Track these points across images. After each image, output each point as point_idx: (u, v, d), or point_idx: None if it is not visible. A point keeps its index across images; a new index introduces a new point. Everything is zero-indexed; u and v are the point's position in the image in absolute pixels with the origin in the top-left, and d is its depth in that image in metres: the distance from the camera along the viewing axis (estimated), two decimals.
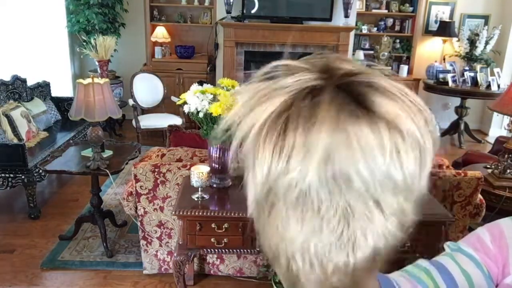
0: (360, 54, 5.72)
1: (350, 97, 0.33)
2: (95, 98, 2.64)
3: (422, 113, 0.35)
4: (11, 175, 3.27)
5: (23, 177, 3.27)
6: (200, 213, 2.03)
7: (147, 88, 4.98)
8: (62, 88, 5.28)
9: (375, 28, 5.95)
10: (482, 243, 0.61)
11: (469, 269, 0.59)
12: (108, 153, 2.99)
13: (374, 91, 0.34)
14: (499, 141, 3.91)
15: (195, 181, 2.08)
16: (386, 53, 5.66)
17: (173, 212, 2.09)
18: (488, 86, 5.26)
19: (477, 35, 5.41)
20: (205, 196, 2.13)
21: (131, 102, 4.84)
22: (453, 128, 5.71)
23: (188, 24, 5.75)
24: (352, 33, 5.40)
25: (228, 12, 5.17)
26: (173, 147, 2.83)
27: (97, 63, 4.95)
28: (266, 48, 5.36)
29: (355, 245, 0.35)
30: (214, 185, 2.25)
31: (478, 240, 0.61)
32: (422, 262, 0.62)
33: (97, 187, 2.94)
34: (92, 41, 4.85)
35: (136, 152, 3.15)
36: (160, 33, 5.65)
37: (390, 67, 5.82)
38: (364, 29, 5.89)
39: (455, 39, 5.76)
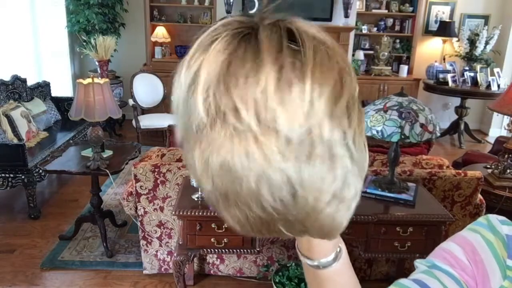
0: (360, 54, 5.72)
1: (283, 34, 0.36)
2: (95, 98, 2.64)
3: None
4: (11, 175, 3.27)
5: (23, 177, 3.28)
6: (200, 213, 2.03)
7: (147, 88, 4.98)
8: (62, 88, 5.28)
9: (375, 28, 5.95)
10: (456, 258, 0.57)
11: (450, 287, 0.55)
12: (108, 153, 2.99)
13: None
14: (499, 141, 3.92)
15: (195, 181, 2.08)
16: (386, 53, 5.66)
17: (173, 212, 2.09)
18: (488, 86, 5.26)
19: (477, 35, 5.41)
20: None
21: (131, 102, 4.84)
22: (453, 128, 5.71)
23: (188, 24, 5.75)
24: (352, 33, 5.40)
25: (228, 12, 5.18)
26: (173, 147, 2.82)
27: (97, 63, 4.96)
28: None
29: None
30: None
31: (451, 256, 0.57)
32: (403, 281, 0.58)
33: (97, 187, 2.94)
34: (92, 41, 4.86)
35: (136, 152, 3.15)
36: (160, 33, 5.66)
37: (390, 67, 5.82)
38: (364, 29, 5.89)
39: (455, 39, 5.76)
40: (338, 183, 0.36)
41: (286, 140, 0.34)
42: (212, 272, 2.68)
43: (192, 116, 0.36)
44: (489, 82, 5.25)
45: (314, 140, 0.34)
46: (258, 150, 0.34)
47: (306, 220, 0.38)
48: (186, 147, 0.38)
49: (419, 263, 0.61)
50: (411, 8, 5.82)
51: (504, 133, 5.36)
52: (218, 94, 0.34)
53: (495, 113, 4.65)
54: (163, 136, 4.97)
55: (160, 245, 2.61)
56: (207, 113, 0.35)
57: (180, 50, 5.62)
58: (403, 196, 2.14)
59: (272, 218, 0.38)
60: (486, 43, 5.42)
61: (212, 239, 2.08)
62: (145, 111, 5.03)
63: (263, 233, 0.40)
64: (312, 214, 0.38)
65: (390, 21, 5.96)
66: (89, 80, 2.68)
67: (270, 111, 0.33)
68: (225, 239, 2.09)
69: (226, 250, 2.15)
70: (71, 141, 3.71)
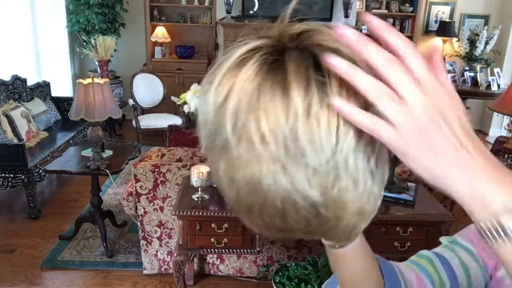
0: None
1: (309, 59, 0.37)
2: (95, 98, 2.64)
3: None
4: (11, 175, 3.27)
5: (23, 177, 3.27)
6: (200, 213, 2.03)
7: (147, 88, 4.98)
8: (62, 88, 5.28)
9: None
10: (478, 237, 0.62)
11: (467, 261, 0.61)
12: (108, 153, 2.99)
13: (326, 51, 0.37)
14: (499, 141, 3.92)
15: (195, 181, 2.08)
16: None
17: (173, 212, 2.09)
18: (488, 86, 5.26)
19: (477, 35, 5.41)
20: (205, 196, 2.13)
21: (131, 102, 4.84)
22: None
23: (188, 24, 5.75)
24: None
25: (228, 12, 5.18)
26: (173, 147, 2.82)
27: (97, 63, 4.96)
28: None
29: None
30: (214, 185, 2.24)
31: (474, 234, 0.62)
32: (424, 251, 0.64)
33: (97, 187, 2.94)
34: (92, 41, 4.86)
35: (136, 152, 3.15)
36: (160, 33, 5.65)
37: None
38: (364, 29, 5.88)
39: (455, 39, 5.76)
40: (359, 203, 0.39)
41: (313, 170, 0.36)
42: (212, 272, 2.68)
43: (218, 133, 0.38)
44: (489, 82, 5.25)
45: (339, 173, 0.36)
46: (285, 178, 0.36)
47: (326, 233, 0.43)
48: (210, 158, 0.40)
49: (443, 239, 0.67)
50: (411, 8, 5.82)
51: (504, 133, 5.35)
52: (247, 122, 0.36)
53: (495, 113, 4.65)
54: (163, 136, 4.97)
55: (160, 245, 2.60)
56: (234, 133, 0.36)
57: (180, 50, 5.61)
58: (403, 196, 2.14)
59: (292, 228, 0.40)
60: (486, 43, 5.41)
61: (212, 239, 2.08)
62: (145, 111, 5.03)
63: (277, 236, 0.45)
64: (333, 229, 0.41)
65: (390, 21, 5.96)
66: (89, 80, 2.68)
67: (298, 148, 0.35)
68: (225, 239, 2.09)
69: (226, 250, 2.15)
70: (71, 141, 3.71)
